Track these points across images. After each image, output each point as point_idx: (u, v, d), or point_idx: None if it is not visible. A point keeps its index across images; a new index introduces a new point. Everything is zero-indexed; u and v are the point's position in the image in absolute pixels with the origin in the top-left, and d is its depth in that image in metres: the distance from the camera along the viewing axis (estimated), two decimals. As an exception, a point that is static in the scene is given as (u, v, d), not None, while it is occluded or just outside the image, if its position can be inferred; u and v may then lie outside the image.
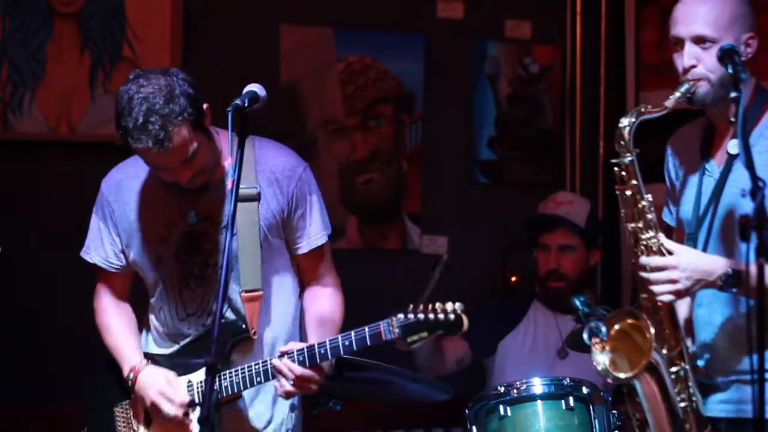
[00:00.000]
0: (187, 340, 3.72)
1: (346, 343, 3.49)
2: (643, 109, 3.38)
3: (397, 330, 3.43)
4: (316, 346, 3.53)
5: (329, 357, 3.53)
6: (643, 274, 3.32)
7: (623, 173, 3.37)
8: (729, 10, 3.33)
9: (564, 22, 5.61)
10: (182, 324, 3.71)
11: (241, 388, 3.61)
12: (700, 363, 3.44)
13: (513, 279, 5.31)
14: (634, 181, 3.37)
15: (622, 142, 3.35)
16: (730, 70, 3.24)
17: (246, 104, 3.36)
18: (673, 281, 3.28)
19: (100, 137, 5.03)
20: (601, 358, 3.38)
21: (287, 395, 3.60)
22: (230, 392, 3.62)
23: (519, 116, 5.59)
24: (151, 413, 3.69)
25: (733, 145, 3.36)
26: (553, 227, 4.76)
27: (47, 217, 5.03)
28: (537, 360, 4.72)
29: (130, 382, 3.69)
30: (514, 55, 5.57)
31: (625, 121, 3.36)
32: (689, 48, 3.35)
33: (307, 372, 3.54)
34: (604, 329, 3.38)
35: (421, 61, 5.44)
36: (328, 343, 3.52)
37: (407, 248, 5.43)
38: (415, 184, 5.47)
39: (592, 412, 3.81)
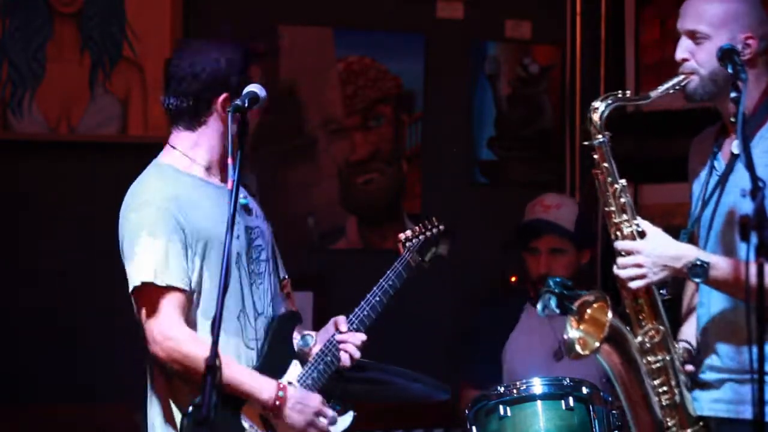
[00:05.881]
0: (260, 342, 3.60)
1: (390, 283, 3.75)
2: (620, 95, 3.40)
3: (416, 254, 3.82)
4: (370, 297, 3.72)
5: (385, 301, 3.73)
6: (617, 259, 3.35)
7: (595, 156, 3.39)
8: (726, 8, 3.34)
9: (564, 23, 5.61)
10: (257, 324, 3.59)
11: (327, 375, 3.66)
12: (700, 359, 3.45)
13: (513, 279, 5.31)
14: (605, 164, 3.39)
15: (593, 124, 3.36)
16: (729, 70, 3.25)
17: (246, 104, 3.36)
18: (639, 266, 3.29)
19: (100, 137, 5.03)
20: (572, 334, 3.40)
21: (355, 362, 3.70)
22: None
23: (519, 116, 5.59)
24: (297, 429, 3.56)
25: (736, 145, 3.36)
26: (542, 232, 4.75)
27: (47, 217, 5.04)
28: (533, 363, 4.70)
29: (273, 409, 3.50)
30: (514, 56, 5.57)
31: (598, 104, 3.38)
32: (683, 41, 3.38)
33: (363, 336, 3.71)
34: (553, 302, 3.45)
35: (421, 61, 5.44)
36: (377, 290, 3.73)
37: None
38: (414, 185, 5.47)
39: (591, 413, 3.81)
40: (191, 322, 3.49)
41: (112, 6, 5.06)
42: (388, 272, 3.76)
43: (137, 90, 5.08)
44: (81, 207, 4.96)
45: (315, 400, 3.55)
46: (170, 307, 3.44)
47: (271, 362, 3.57)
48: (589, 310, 3.41)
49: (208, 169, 3.57)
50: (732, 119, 3.30)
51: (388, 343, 4.39)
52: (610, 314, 3.31)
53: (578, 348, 3.38)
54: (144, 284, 3.42)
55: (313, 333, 3.72)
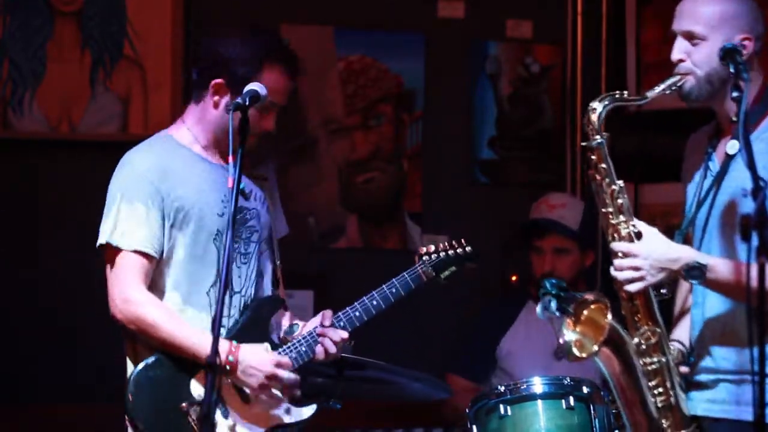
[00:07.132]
0: (233, 320, 3.63)
1: (393, 290, 3.67)
2: (618, 95, 3.39)
3: (430, 269, 3.72)
4: (366, 300, 3.65)
5: (383, 307, 3.65)
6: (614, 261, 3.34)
7: (593, 157, 3.38)
8: (722, 9, 3.33)
9: (565, 22, 5.61)
10: (231, 301, 3.61)
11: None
12: (692, 359, 3.44)
13: (513, 279, 5.31)
14: (603, 165, 3.37)
15: (591, 125, 3.36)
16: (731, 70, 3.24)
17: (247, 103, 3.37)
18: (636, 268, 3.28)
19: (100, 136, 5.03)
20: (569, 336, 3.39)
21: (330, 357, 3.64)
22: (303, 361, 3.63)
23: (519, 116, 5.59)
24: (251, 393, 3.57)
25: (731, 146, 3.36)
26: (547, 231, 4.75)
27: (48, 217, 5.04)
28: (534, 360, 4.71)
29: (228, 367, 3.51)
30: (515, 55, 5.56)
31: (595, 105, 3.37)
32: (679, 42, 3.37)
33: (345, 335, 3.64)
34: (554, 304, 3.46)
35: (421, 60, 5.44)
36: (376, 294, 3.66)
37: (407, 248, 5.42)
38: (415, 184, 5.47)
39: (592, 412, 3.80)
40: (159, 290, 3.57)
41: (113, 5, 5.07)
42: (394, 279, 3.69)
43: (138, 88, 5.08)
44: (81, 207, 4.95)
45: (268, 364, 3.54)
46: (133, 270, 3.54)
47: (240, 340, 3.56)
48: (585, 312, 3.40)
49: (206, 147, 3.65)
50: (734, 118, 3.30)
51: (388, 342, 4.40)
52: (609, 316, 3.30)
53: (575, 351, 3.37)
54: (108, 244, 3.55)
55: (301, 322, 3.73)
